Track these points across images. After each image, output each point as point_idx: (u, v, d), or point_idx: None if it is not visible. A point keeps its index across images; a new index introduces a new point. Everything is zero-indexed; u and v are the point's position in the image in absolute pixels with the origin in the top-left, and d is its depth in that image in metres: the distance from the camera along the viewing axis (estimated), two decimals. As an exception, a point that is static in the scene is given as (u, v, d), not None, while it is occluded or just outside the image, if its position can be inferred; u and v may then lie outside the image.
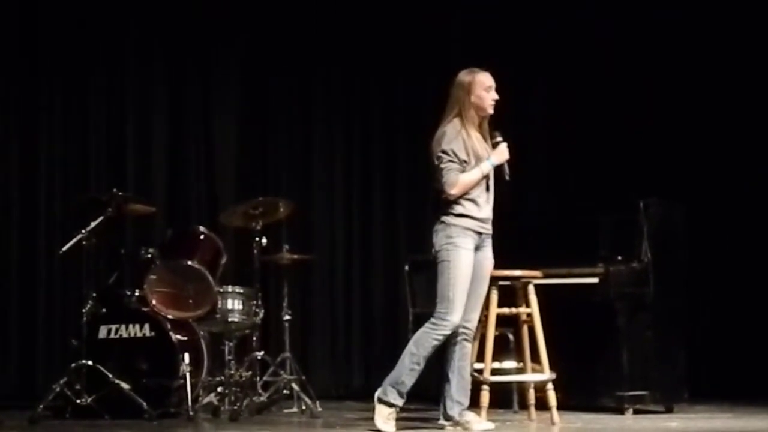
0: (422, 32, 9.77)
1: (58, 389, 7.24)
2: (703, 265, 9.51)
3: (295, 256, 8.16)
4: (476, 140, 6.59)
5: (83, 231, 7.43)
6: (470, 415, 6.58)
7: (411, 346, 6.53)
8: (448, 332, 6.49)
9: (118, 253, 8.00)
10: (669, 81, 9.75)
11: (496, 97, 6.61)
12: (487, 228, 6.64)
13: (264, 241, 7.83)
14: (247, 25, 9.59)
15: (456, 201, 6.54)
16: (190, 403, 7.25)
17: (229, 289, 7.78)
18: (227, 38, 9.59)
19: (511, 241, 7.89)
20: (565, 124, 9.85)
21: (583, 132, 9.85)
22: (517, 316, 7.12)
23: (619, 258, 7.73)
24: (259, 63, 9.65)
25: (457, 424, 6.56)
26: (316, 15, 9.71)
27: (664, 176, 9.49)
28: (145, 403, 7.18)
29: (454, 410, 6.57)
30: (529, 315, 7.06)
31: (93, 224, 7.47)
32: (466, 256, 6.51)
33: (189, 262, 7.65)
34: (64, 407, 7.29)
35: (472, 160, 6.54)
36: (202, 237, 7.87)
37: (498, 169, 6.65)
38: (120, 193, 7.67)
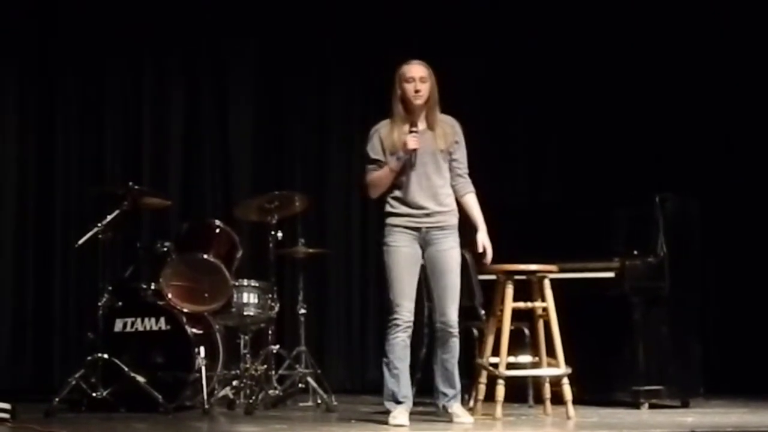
0: (437, 27, 9.75)
1: (74, 382, 7.25)
2: (719, 260, 9.51)
3: (311, 250, 8.16)
4: (399, 135, 6.55)
5: (99, 224, 7.44)
6: (455, 407, 6.64)
7: (384, 357, 6.66)
8: (401, 331, 6.57)
9: (134, 247, 8.01)
10: (685, 75, 9.72)
11: (419, 88, 6.58)
12: (430, 221, 6.59)
13: (279, 234, 7.83)
14: (263, 20, 9.58)
15: (384, 200, 6.63)
16: (205, 396, 7.25)
17: (245, 282, 7.77)
18: (243, 33, 9.59)
19: (526, 235, 7.93)
20: (581, 118, 9.84)
21: (598, 126, 9.84)
22: (532, 311, 7.10)
23: (635, 252, 7.72)
24: (275, 57, 9.65)
25: (444, 414, 6.65)
26: (333, 10, 9.70)
27: (679, 171, 9.47)
28: (160, 397, 7.18)
29: (440, 401, 6.68)
30: (545, 309, 7.04)
31: (109, 218, 7.47)
32: (396, 254, 6.59)
33: (205, 256, 7.65)
34: (79, 400, 7.30)
35: (388, 157, 6.57)
36: (217, 230, 7.86)
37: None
38: (136, 187, 7.67)
